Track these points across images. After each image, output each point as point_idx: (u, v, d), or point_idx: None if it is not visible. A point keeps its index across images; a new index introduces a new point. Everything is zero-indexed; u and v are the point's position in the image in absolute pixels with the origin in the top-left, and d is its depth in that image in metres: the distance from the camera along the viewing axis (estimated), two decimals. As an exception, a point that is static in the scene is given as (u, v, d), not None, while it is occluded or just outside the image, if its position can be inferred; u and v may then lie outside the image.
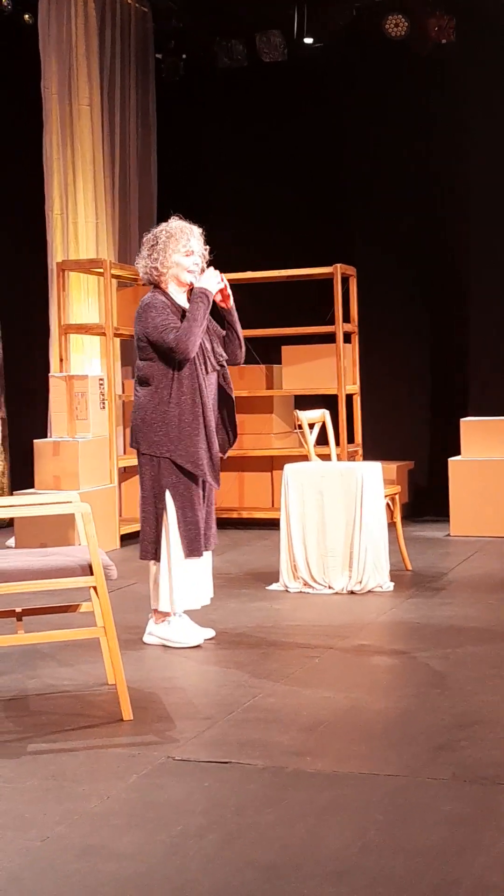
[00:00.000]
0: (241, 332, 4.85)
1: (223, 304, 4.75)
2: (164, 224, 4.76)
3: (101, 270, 7.61)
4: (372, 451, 8.34)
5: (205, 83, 9.11)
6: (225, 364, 4.79)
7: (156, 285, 4.72)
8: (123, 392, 8.41)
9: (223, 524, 8.42)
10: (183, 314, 4.64)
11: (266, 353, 8.33)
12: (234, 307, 4.79)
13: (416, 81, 8.55)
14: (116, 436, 7.69)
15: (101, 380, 7.47)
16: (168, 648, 4.62)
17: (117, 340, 8.13)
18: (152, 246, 4.70)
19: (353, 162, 8.82)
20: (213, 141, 9.23)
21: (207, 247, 4.79)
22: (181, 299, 4.72)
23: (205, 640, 4.71)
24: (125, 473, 8.13)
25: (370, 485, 5.75)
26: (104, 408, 7.46)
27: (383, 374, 8.77)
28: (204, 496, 4.69)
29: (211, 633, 4.79)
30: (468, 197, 8.62)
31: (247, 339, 8.31)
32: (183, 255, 4.67)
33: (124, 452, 8.40)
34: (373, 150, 8.78)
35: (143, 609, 5.38)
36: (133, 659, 4.41)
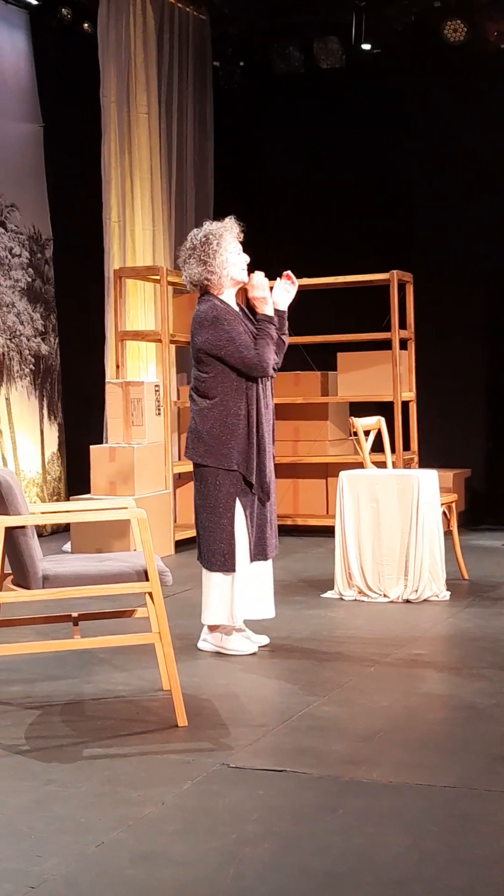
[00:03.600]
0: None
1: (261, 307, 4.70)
2: (201, 230, 4.66)
3: (158, 277, 7.65)
4: (428, 459, 8.29)
5: (262, 90, 9.14)
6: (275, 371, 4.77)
7: (206, 291, 4.64)
8: (179, 398, 8.45)
9: (278, 531, 8.41)
10: (236, 320, 4.61)
11: (322, 359, 8.32)
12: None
13: (477, 86, 8.50)
14: (171, 442, 7.73)
15: (156, 386, 7.52)
16: (222, 655, 4.63)
17: (173, 347, 8.16)
18: (201, 251, 4.58)
19: (412, 167, 8.78)
20: (270, 148, 9.24)
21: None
22: (233, 301, 4.70)
23: (259, 647, 4.71)
24: (180, 479, 8.15)
25: (426, 492, 5.72)
26: (160, 414, 7.50)
27: (440, 381, 8.71)
28: (261, 508, 4.66)
29: (265, 640, 4.78)
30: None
31: (302, 346, 8.35)
32: (235, 253, 4.63)
33: (179, 459, 8.43)
34: (432, 155, 8.75)
35: (198, 615, 5.39)
36: (187, 665, 4.42)
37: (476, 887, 2.48)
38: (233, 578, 4.59)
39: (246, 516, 4.59)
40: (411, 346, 8.29)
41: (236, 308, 4.70)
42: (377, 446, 6.38)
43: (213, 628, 4.69)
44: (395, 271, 7.86)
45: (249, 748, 3.44)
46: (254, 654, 4.63)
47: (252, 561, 4.64)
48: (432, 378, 8.58)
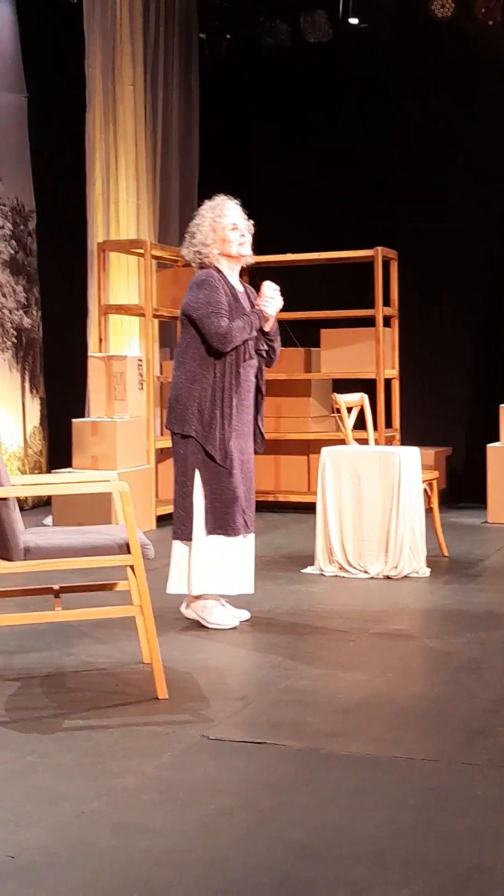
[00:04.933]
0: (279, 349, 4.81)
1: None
2: (200, 208, 4.72)
3: (142, 251, 7.62)
4: (410, 437, 8.31)
5: (249, 63, 9.08)
6: (264, 355, 4.73)
7: (205, 266, 4.64)
8: (162, 373, 8.43)
9: (259, 507, 8.43)
10: (234, 295, 4.59)
11: (305, 336, 8.31)
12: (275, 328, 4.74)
13: (464, 62, 8.47)
14: (154, 417, 7.72)
15: (139, 361, 7.49)
16: (204, 629, 4.64)
17: (156, 322, 8.14)
18: (190, 230, 4.67)
19: (398, 143, 8.76)
20: (256, 121, 9.20)
21: (251, 221, 4.73)
22: (234, 279, 4.67)
23: (240, 622, 4.72)
24: (162, 455, 8.15)
25: (408, 470, 5.73)
26: (142, 389, 7.48)
27: (423, 359, 8.73)
28: (226, 481, 4.58)
29: (246, 614, 4.80)
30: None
31: (286, 322, 8.33)
32: (226, 228, 4.61)
33: (161, 434, 8.43)
34: (418, 131, 8.72)
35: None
36: (169, 639, 4.43)
37: (453, 860, 2.50)
38: (189, 549, 4.59)
39: (204, 486, 4.55)
40: (395, 323, 8.29)
41: (235, 283, 4.66)
42: (360, 423, 6.39)
43: (192, 598, 4.69)
44: (379, 248, 7.85)
45: (229, 721, 3.45)
46: (234, 628, 4.64)
47: (208, 534, 4.56)
48: (416, 356, 8.59)
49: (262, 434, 4.78)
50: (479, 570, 5.89)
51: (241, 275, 4.80)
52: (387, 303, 8.11)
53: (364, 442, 6.35)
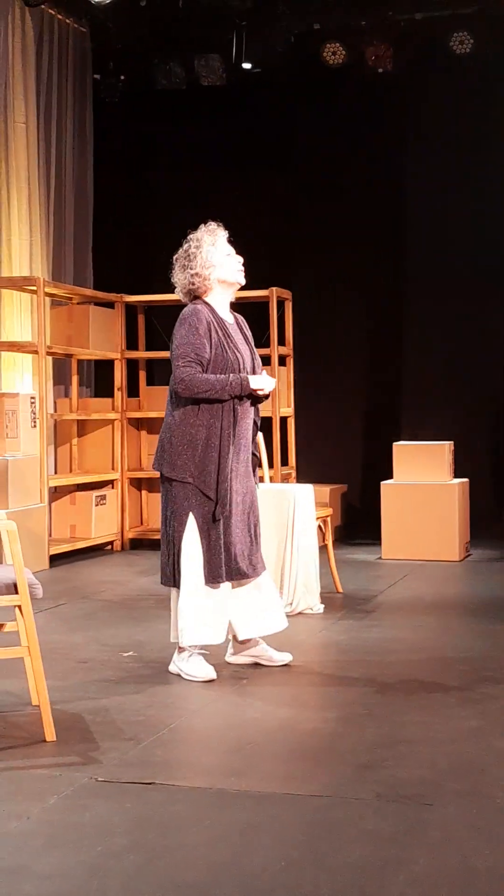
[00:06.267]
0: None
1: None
2: (188, 239, 4.53)
3: (35, 288, 7.57)
4: (306, 474, 8.39)
5: (143, 104, 9.15)
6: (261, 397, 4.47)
7: (196, 297, 4.46)
8: (55, 411, 8.37)
9: (151, 546, 8.40)
10: (224, 329, 4.42)
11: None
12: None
13: (355, 108, 8.68)
14: (48, 455, 7.64)
15: (32, 398, 7.43)
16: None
17: (49, 359, 8.09)
18: (182, 258, 4.47)
19: (291, 185, 8.90)
20: (150, 162, 9.25)
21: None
22: (225, 312, 4.50)
23: (282, 664, 4.55)
24: (56, 493, 8.07)
25: (302, 507, 5.77)
26: (35, 426, 7.41)
27: (317, 397, 8.84)
28: (225, 525, 4.38)
29: (287, 657, 4.59)
30: (406, 223, 8.75)
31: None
32: (222, 254, 4.47)
33: (55, 472, 8.35)
34: (311, 173, 8.88)
35: (73, 630, 5.34)
36: (58, 680, 4.36)
37: (342, 893, 2.51)
38: (176, 594, 4.43)
39: (200, 531, 4.35)
40: (290, 362, 8.39)
41: (225, 315, 4.49)
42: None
43: (181, 648, 4.48)
44: (274, 288, 7.95)
45: (119, 762, 3.41)
46: (211, 680, 4.35)
47: (206, 583, 4.34)
48: (310, 394, 8.69)
49: (258, 461, 4.59)
50: (373, 605, 5.95)
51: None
52: (282, 342, 8.20)
53: (260, 480, 6.37)
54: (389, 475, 7.81)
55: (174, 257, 4.56)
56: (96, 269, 8.96)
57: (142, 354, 8.66)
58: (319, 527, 6.07)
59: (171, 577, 4.43)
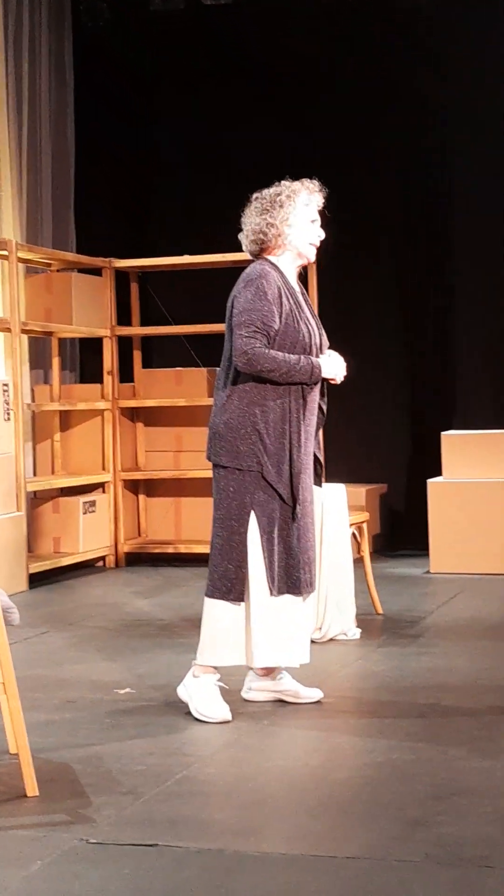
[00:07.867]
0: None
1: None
2: (281, 184, 4.55)
3: (6, 253, 7.58)
4: (337, 473, 8.35)
5: (135, 30, 9.14)
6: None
7: (261, 253, 4.48)
8: (33, 400, 8.38)
9: (157, 560, 8.41)
10: (294, 298, 4.42)
11: (208, 353, 8.30)
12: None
13: (384, 37, 8.67)
14: (25, 454, 7.65)
15: (4, 385, 7.43)
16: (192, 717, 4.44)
17: (25, 338, 8.09)
18: (267, 201, 4.48)
19: (311, 114, 8.84)
20: (143, 100, 9.23)
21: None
22: (292, 277, 4.51)
23: (311, 701, 4.59)
24: (35, 500, 8.08)
25: (332, 512, 5.77)
26: (9, 419, 7.42)
27: (349, 379, 8.78)
28: (290, 527, 4.43)
29: (318, 693, 4.63)
30: (452, 191, 8.73)
31: (184, 337, 8.34)
32: (306, 219, 4.48)
33: (34, 474, 8.36)
34: (337, 123, 8.85)
35: (58, 663, 5.35)
36: (41, 723, 4.37)
37: None
38: (222, 609, 4.42)
39: (262, 533, 4.37)
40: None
41: (294, 284, 4.52)
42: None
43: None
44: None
45: (114, 820, 3.41)
46: (227, 721, 4.37)
47: (276, 594, 4.37)
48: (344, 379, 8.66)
49: (321, 464, 4.64)
50: (420, 629, 5.94)
51: None
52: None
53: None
54: (438, 472, 7.79)
55: (253, 196, 4.57)
56: (79, 230, 8.96)
57: (136, 331, 8.66)
58: (354, 535, 6.06)
59: (218, 585, 4.41)
